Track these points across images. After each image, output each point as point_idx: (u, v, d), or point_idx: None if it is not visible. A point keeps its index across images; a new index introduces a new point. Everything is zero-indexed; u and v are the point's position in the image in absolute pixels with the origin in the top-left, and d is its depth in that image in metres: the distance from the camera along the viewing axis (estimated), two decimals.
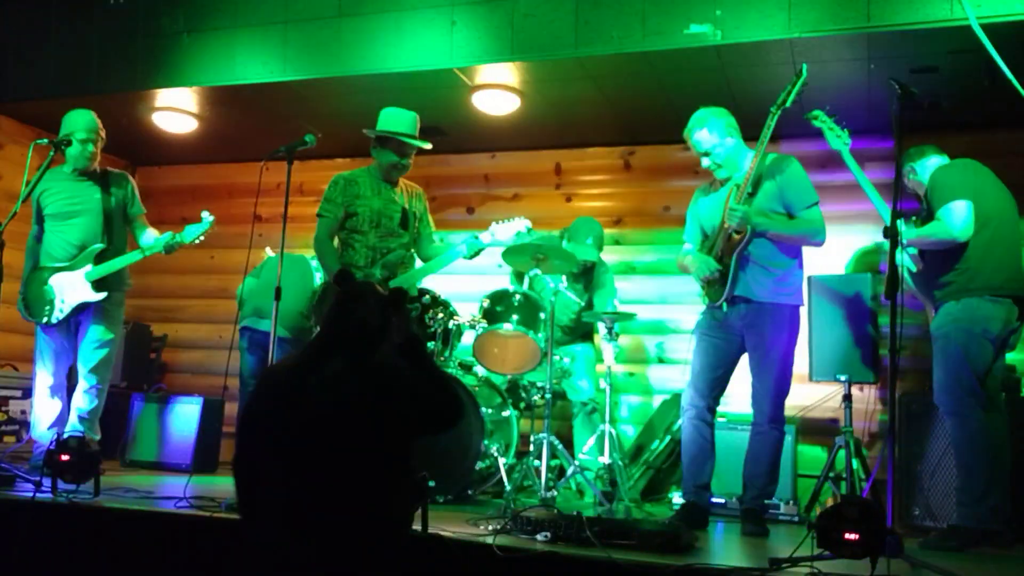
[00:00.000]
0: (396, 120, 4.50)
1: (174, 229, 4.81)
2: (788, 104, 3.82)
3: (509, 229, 4.52)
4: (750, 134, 4.01)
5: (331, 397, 2.53)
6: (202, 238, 4.80)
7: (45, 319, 4.75)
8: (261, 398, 2.69)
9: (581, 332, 5.42)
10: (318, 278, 5.82)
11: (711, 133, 3.97)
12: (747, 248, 3.88)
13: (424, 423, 2.67)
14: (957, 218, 3.79)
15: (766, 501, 4.00)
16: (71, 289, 4.72)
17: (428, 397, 2.66)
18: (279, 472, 2.53)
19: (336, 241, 4.54)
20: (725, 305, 3.94)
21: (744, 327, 3.94)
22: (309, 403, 2.53)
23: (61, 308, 4.73)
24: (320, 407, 2.53)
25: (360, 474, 2.50)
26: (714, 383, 4.00)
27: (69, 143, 4.64)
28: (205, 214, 4.79)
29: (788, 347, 3.93)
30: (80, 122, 4.76)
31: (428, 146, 4.66)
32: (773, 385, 3.90)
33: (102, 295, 4.73)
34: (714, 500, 4.32)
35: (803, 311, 4.92)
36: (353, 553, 2.49)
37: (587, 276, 5.36)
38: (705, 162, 4.04)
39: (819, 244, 3.97)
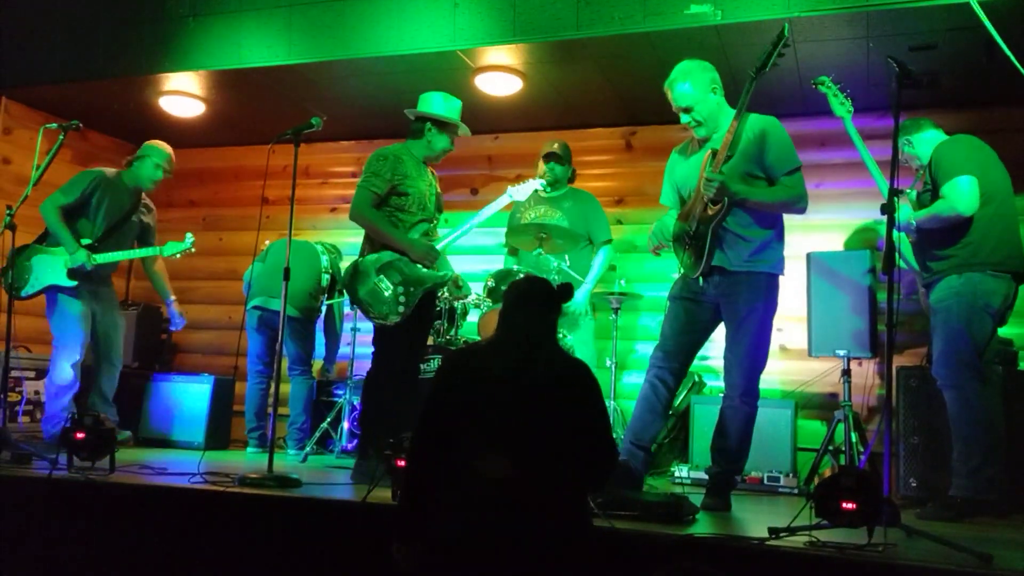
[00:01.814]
0: (453, 108, 4.44)
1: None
2: (768, 68, 3.58)
3: (526, 189, 4.63)
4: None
5: (540, 391, 2.49)
6: (178, 255, 5.35)
7: (15, 293, 4.92)
8: (449, 377, 2.62)
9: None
10: (324, 260, 5.89)
11: (694, 87, 3.74)
12: (725, 220, 3.66)
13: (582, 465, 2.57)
14: (962, 192, 3.81)
15: (736, 477, 3.83)
16: (46, 270, 4.96)
17: (596, 444, 2.55)
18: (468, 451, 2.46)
19: None
20: (701, 279, 3.74)
21: (719, 296, 3.72)
22: (512, 386, 2.48)
23: (33, 284, 4.96)
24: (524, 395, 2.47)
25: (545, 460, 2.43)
26: (681, 348, 3.80)
27: (78, 128, 4.71)
28: (189, 235, 5.33)
29: (764, 317, 3.68)
30: (163, 153, 5.33)
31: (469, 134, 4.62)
32: (745, 355, 3.65)
33: (72, 283, 4.99)
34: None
35: (801, 287, 5.03)
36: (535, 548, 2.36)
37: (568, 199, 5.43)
38: (685, 118, 3.80)
39: (801, 211, 3.74)
